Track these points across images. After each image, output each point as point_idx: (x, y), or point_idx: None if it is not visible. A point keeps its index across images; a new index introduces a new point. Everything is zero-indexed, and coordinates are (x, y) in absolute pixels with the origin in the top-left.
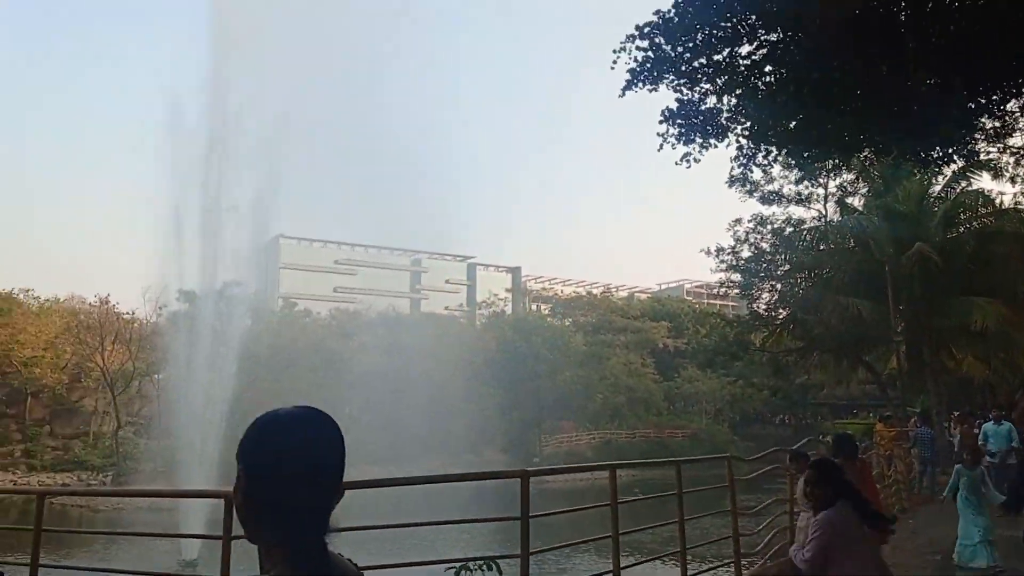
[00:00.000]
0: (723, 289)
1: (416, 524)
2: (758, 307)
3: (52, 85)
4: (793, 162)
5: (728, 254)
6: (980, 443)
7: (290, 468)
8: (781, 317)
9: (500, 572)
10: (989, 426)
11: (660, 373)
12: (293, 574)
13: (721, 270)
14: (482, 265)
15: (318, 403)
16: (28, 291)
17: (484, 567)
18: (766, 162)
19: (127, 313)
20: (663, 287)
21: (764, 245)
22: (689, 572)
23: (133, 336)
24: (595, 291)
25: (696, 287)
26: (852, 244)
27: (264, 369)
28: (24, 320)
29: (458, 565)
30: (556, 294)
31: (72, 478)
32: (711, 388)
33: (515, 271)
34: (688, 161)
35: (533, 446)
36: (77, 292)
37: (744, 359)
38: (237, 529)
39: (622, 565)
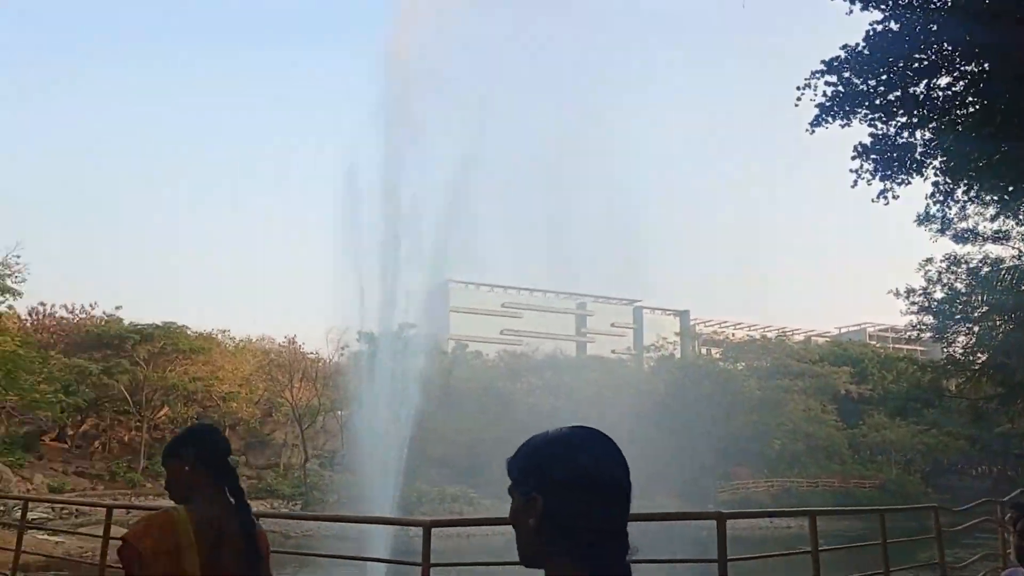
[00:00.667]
0: (914, 332)
1: None
2: (954, 351)
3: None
4: (995, 198)
5: (919, 295)
6: None
7: (592, 484)
8: (980, 362)
9: None
10: None
11: (843, 420)
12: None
13: (912, 312)
14: (648, 308)
15: (488, 443)
16: (224, 331)
17: None
18: (965, 198)
19: (312, 353)
20: (843, 331)
21: (959, 285)
22: None
23: (318, 374)
24: (769, 334)
25: (879, 331)
26: None
27: (438, 407)
28: (222, 358)
29: None
30: (727, 337)
31: (265, 505)
32: (900, 436)
33: (683, 314)
34: (886, 197)
35: (708, 492)
36: (267, 333)
37: (938, 406)
38: (436, 557)
39: None
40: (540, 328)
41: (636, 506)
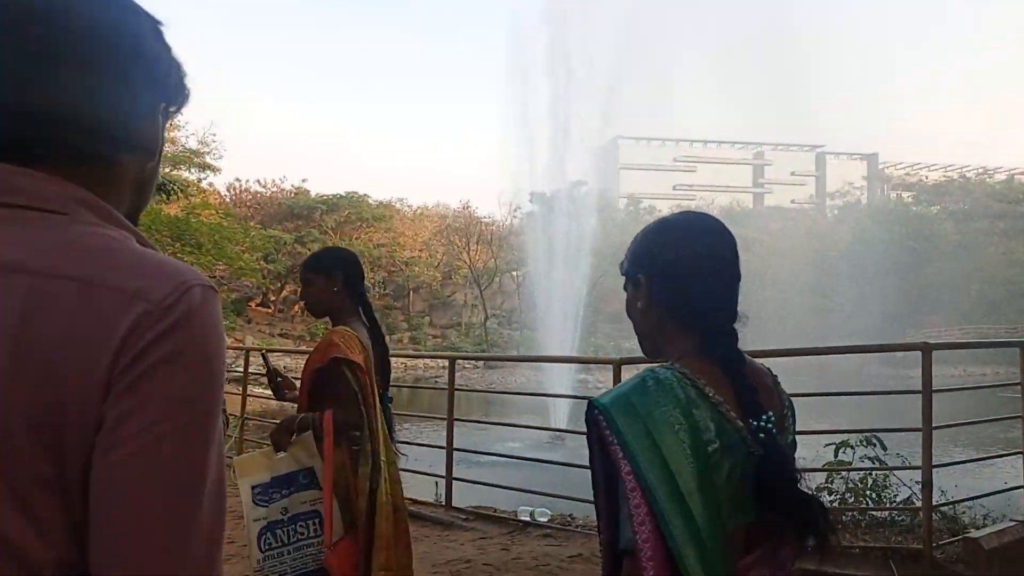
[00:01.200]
0: None
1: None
2: None
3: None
4: None
5: None
6: None
7: (701, 267)
8: None
9: (885, 448)
10: None
11: None
12: (705, 353)
13: None
14: (832, 154)
15: None
16: (402, 200)
17: (866, 441)
18: None
19: (486, 217)
20: None
21: None
22: None
23: (493, 237)
24: (968, 174)
25: None
26: None
27: (611, 265)
28: (402, 225)
29: (838, 440)
30: (921, 180)
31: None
32: None
33: (871, 158)
34: None
35: (896, 337)
36: (443, 200)
37: None
38: None
39: None
40: (715, 181)
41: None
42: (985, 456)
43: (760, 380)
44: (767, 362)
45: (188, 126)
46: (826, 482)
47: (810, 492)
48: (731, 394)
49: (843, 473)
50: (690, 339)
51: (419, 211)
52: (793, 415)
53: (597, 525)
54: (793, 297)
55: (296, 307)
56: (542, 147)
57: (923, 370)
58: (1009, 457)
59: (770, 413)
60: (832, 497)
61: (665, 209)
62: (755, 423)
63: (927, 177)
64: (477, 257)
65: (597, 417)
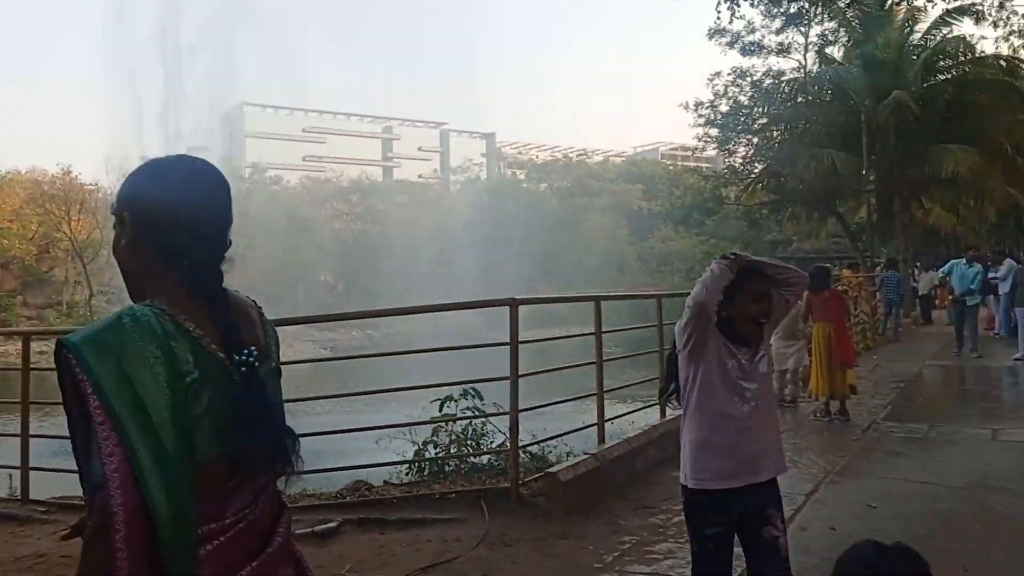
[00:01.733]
0: (700, 143)
1: (405, 352)
2: (734, 161)
3: None
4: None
5: (706, 108)
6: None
7: (186, 207)
8: (756, 171)
9: (481, 399)
10: (960, 266)
11: (634, 235)
12: (189, 290)
13: (699, 125)
14: (455, 131)
15: (294, 269)
16: None
17: (468, 394)
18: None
19: (91, 184)
20: (638, 150)
21: (743, 98)
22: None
23: (98, 205)
24: (571, 155)
25: (671, 150)
26: (830, 95)
27: (236, 236)
28: None
29: (443, 396)
30: (531, 159)
31: (48, 345)
32: (684, 247)
33: (489, 137)
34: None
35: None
36: (38, 164)
37: (719, 215)
38: None
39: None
40: (345, 153)
41: (446, 325)
42: (566, 399)
43: (245, 316)
44: (381, 323)
45: None
46: (432, 435)
47: (283, 423)
48: (214, 329)
49: (447, 426)
50: (174, 277)
51: (8, 175)
52: (277, 345)
53: None
54: (420, 267)
55: None
56: (151, 106)
57: (511, 323)
58: (588, 398)
59: (252, 348)
60: (437, 449)
61: (293, 180)
62: (237, 357)
63: (537, 157)
64: (80, 228)
65: (67, 356)
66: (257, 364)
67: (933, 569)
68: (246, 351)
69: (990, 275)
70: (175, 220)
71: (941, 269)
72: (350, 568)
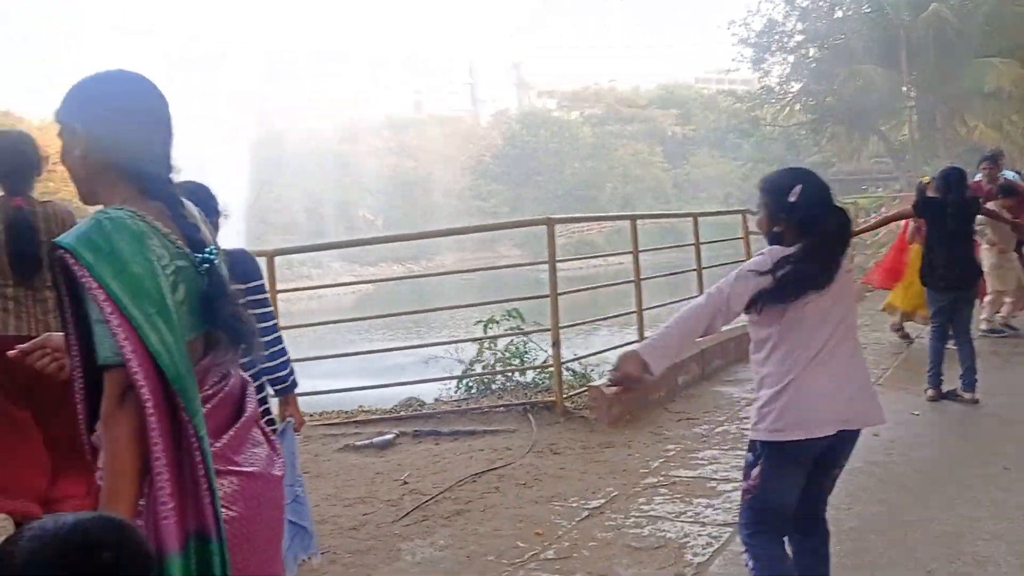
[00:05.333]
0: (734, 63)
1: (446, 272)
2: (769, 81)
3: None
4: None
5: (740, 26)
6: None
7: (139, 119)
8: (793, 90)
9: (523, 319)
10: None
11: (669, 161)
12: (142, 195)
13: (733, 45)
14: (484, 62)
15: (332, 206)
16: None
17: (510, 314)
18: None
19: None
20: (671, 77)
21: (777, 16)
22: None
23: None
24: (601, 83)
25: (705, 73)
26: (867, 9)
27: (274, 173)
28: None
29: (485, 318)
30: (561, 88)
31: None
32: (721, 172)
33: (518, 66)
34: None
35: (544, 238)
36: None
37: (756, 137)
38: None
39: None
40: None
41: (478, 260)
42: (605, 316)
43: (196, 218)
44: (421, 258)
45: None
46: (477, 355)
47: (245, 310)
48: (175, 230)
49: (492, 345)
50: (129, 185)
51: (47, 120)
52: (219, 249)
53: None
54: (453, 201)
55: None
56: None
57: (548, 243)
58: (627, 325)
59: (212, 247)
60: (483, 367)
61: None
62: (199, 255)
63: (566, 86)
64: None
65: (63, 256)
66: (216, 260)
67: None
68: (207, 249)
69: None
70: (131, 132)
71: None
72: (409, 475)
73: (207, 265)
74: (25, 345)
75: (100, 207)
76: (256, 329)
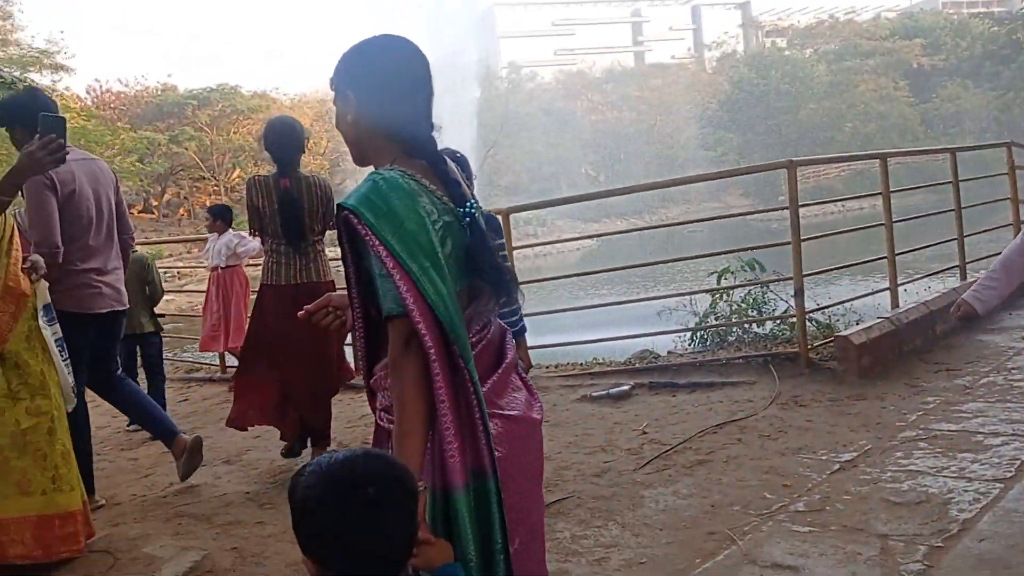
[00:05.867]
0: None
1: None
2: None
3: None
4: None
5: None
6: None
7: (403, 84)
8: None
9: (763, 269)
10: None
11: (915, 96)
12: (409, 155)
13: None
14: (707, 5)
15: (554, 164)
16: (277, 89)
17: (749, 265)
18: None
19: None
20: (915, 2)
21: None
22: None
23: None
24: (836, 15)
25: None
26: None
27: (499, 135)
28: (282, 114)
29: (720, 268)
30: (793, 25)
31: None
32: (975, 105)
33: (745, 6)
34: None
35: (778, 187)
36: (322, 87)
37: (1017, 63)
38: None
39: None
40: (596, 43)
41: (704, 211)
42: (852, 263)
43: (457, 175)
44: (645, 212)
45: (32, 24)
46: (711, 307)
47: (504, 262)
48: (441, 187)
49: (728, 296)
50: (397, 147)
51: (296, 99)
52: (479, 204)
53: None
54: (679, 152)
55: (181, 210)
56: (410, 20)
57: (789, 186)
58: (877, 262)
59: (473, 200)
60: (718, 318)
61: (547, 76)
62: (462, 209)
63: (799, 22)
64: None
65: (348, 216)
66: (478, 214)
67: None
68: (468, 203)
69: None
70: (397, 97)
71: None
72: (647, 425)
73: (469, 219)
74: (311, 306)
75: (372, 168)
76: (515, 279)
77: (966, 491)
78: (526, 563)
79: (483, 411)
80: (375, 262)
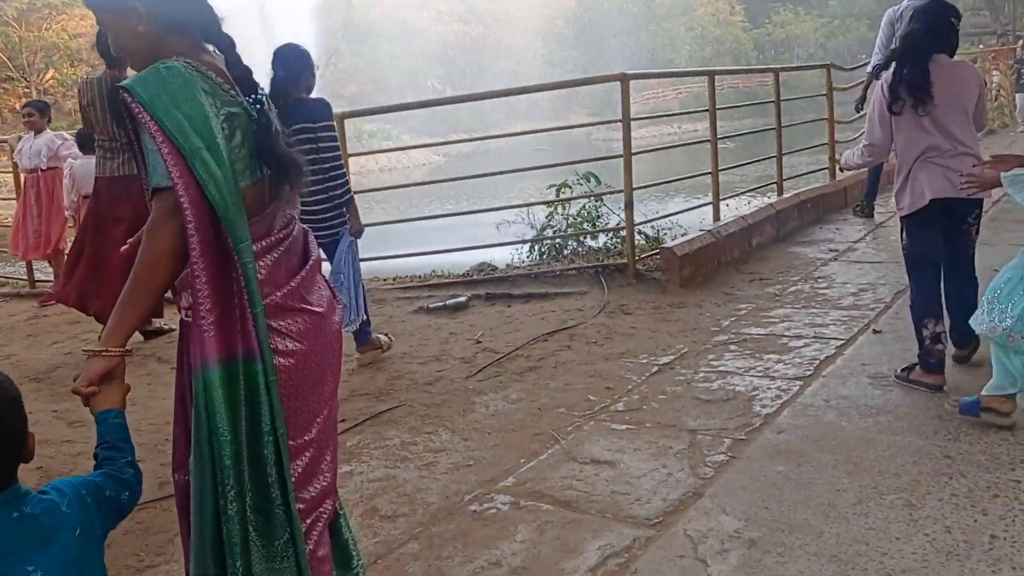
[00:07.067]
0: None
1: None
2: None
3: None
4: None
5: None
6: None
7: None
8: None
9: (599, 182)
10: None
11: (750, 20)
12: (197, 51)
13: None
14: None
15: (401, 76)
16: None
17: (585, 178)
18: None
19: None
20: None
21: None
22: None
23: None
24: None
25: None
26: None
27: (342, 43)
28: None
29: (559, 183)
30: None
31: None
32: (804, 30)
33: None
34: None
35: (618, 106)
36: None
37: None
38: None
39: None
40: None
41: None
42: (679, 178)
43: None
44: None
45: None
46: (548, 220)
47: (291, 151)
48: (228, 79)
49: (564, 209)
50: (185, 42)
51: None
52: (268, 99)
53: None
54: (525, 68)
55: None
56: None
57: (623, 100)
58: (702, 188)
59: (261, 89)
60: (553, 231)
61: None
62: (250, 98)
63: None
64: None
65: (124, 96)
66: (266, 104)
67: None
68: (256, 92)
69: None
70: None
71: None
72: (482, 334)
73: (259, 106)
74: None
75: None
76: (302, 167)
77: (769, 389)
78: (323, 455)
79: (252, 295)
80: (147, 139)
